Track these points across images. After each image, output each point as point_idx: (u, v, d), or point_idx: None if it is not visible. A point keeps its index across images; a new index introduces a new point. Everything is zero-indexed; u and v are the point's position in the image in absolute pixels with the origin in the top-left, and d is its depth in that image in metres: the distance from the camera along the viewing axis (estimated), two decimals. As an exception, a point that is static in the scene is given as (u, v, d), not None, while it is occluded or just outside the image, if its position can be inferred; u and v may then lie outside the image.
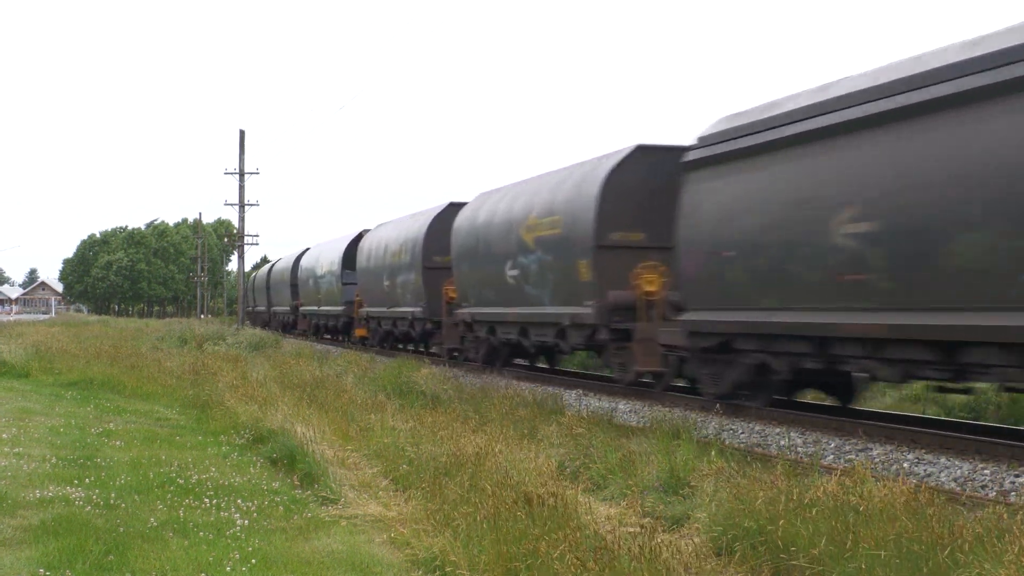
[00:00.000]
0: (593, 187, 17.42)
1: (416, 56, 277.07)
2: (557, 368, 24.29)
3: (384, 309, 30.29)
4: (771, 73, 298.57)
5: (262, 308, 59.49)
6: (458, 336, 24.44)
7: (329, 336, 41.99)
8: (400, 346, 32.33)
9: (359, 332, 34.04)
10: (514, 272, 20.48)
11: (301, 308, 44.59)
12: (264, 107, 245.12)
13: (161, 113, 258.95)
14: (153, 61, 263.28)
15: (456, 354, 25.10)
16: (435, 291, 25.75)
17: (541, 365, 24.56)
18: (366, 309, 32.70)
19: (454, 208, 26.08)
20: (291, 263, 48.06)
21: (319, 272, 40.17)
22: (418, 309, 26.88)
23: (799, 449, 11.59)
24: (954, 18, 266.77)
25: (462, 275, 23.62)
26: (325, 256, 39.83)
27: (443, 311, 25.12)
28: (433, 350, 29.11)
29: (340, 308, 36.36)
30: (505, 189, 22.85)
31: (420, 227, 27.22)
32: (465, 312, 23.34)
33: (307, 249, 46.38)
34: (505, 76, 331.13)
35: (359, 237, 35.99)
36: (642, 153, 17.45)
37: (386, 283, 29.76)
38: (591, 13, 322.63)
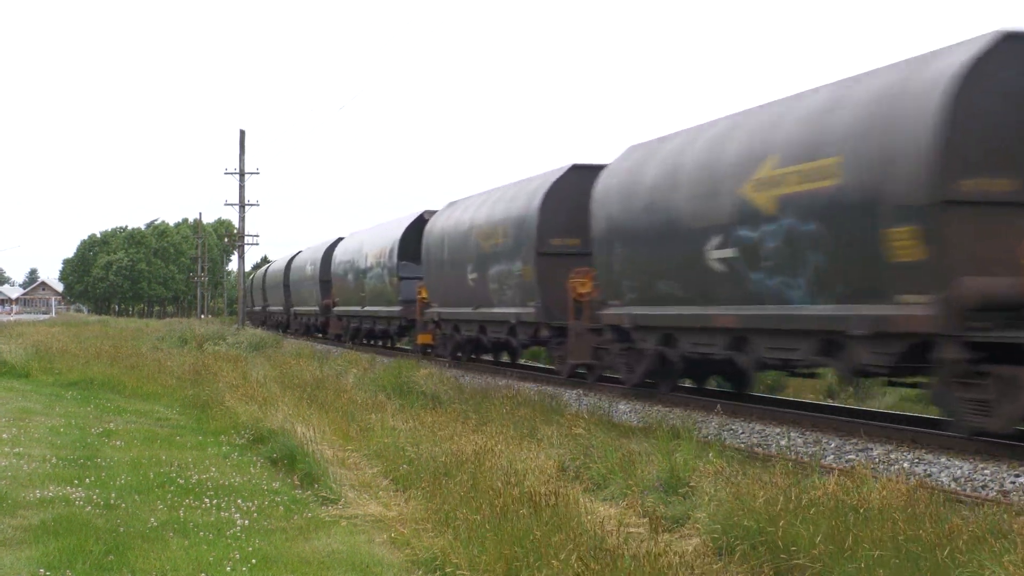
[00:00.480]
0: (922, 105, 10.66)
1: (416, 56, 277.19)
2: (748, 393, 17.04)
3: (468, 310, 23.26)
4: (767, 73, 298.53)
5: (276, 308, 52.21)
6: (590, 348, 18.06)
7: (368, 341, 35.69)
8: (474, 356, 26.06)
9: (423, 339, 27.00)
10: (724, 253, 13.79)
11: (336, 308, 37.11)
12: (264, 107, 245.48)
13: (161, 113, 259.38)
14: (153, 61, 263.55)
15: (584, 371, 19.15)
16: (554, 285, 19.12)
17: (711, 387, 18.29)
18: (437, 310, 25.49)
19: (582, 172, 19.51)
20: (319, 255, 40.73)
21: (363, 265, 32.92)
22: (528, 310, 20.08)
23: (799, 449, 11.59)
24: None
25: (613, 261, 16.81)
26: (372, 245, 32.40)
27: (569, 312, 18.57)
28: (554, 366, 21.47)
29: (396, 309, 29.17)
30: (686, 133, 15.78)
31: (529, 201, 20.26)
32: (620, 314, 16.56)
33: (340, 238, 39.61)
34: (505, 75, 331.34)
35: (421, 220, 29.12)
36: (1015, 43, 10.60)
37: (472, 276, 22.87)
38: (591, 13, 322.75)
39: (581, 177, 19.25)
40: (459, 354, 25.25)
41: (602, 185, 17.41)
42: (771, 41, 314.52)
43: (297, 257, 47.72)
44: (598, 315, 17.42)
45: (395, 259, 29.45)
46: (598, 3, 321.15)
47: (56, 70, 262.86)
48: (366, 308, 32.75)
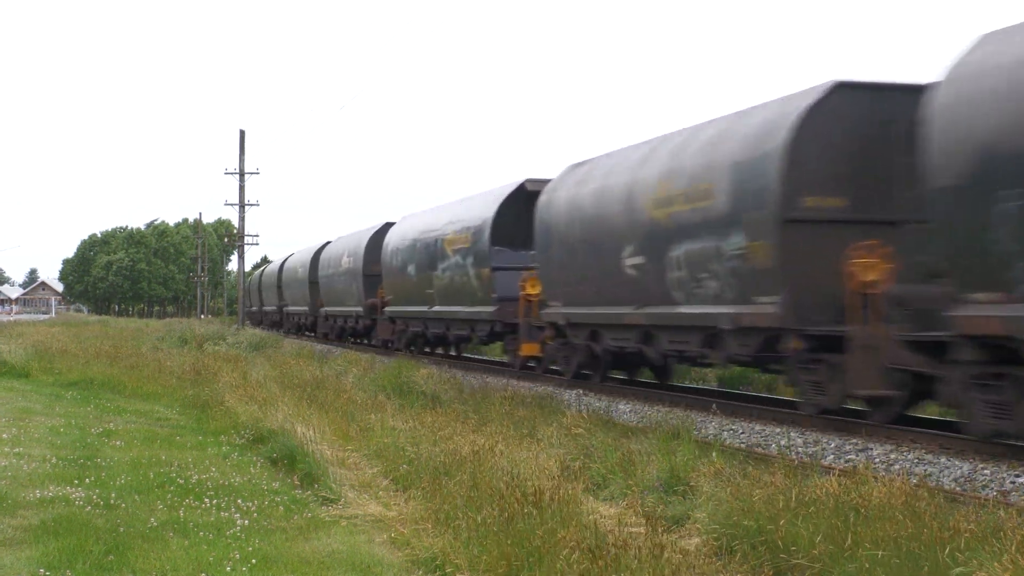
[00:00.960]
0: None
1: (416, 56, 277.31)
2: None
3: (625, 311, 16.37)
4: (767, 72, 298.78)
5: (298, 309, 45.68)
6: (880, 370, 11.71)
7: (431, 350, 29.45)
8: (615, 374, 19.20)
9: (528, 349, 20.71)
10: None
11: (388, 309, 30.36)
12: (264, 107, 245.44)
13: (161, 113, 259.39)
14: (153, 61, 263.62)
15: (866, 407, 12.59)
16: (811, 270, 12.65)
17: None
18: (562, 311, 18.80)
19: (856, 94, 12.86)
20: (362, 244, 33.96)
21: (432, 254, 26.11)
22: (758, 309, 13.20)
23: (799, 449, 11.59)
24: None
25: (994, 225, 9.85)
26: (447, 227, 25.44)
27: (851, 313, 12.13)
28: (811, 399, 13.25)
29: (487, 309, 22.31)
30: None
31: (760, 139, 13.25)
32: (1015, 318, 9.68)
33: (389, 223, 32.82)
34: (505, 75, 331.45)
35: (522, 192, 22.44)
36: None
37: (632, 262, 16.11)
38: (591, 13, 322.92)
39: (853, 100, 12.77)
40: (587, 371, 18.84)
41: (957, 91, 10.34)
42: (764, 42, 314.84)
43: (328, 248, 40.52)
44: (948, 317, 10.43)
45: (486, 245, 22.55)
46: (598, 2, 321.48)
47: (56, 70, 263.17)
48: (435, 308, 25.84)
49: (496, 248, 22.47)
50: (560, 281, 18.97)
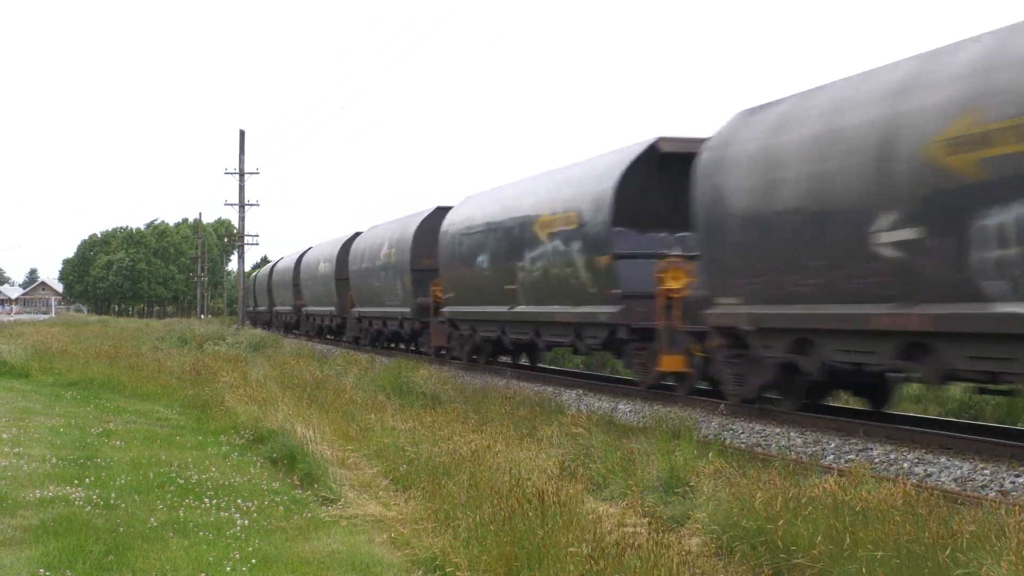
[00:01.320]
0: None
1: (416, 56, 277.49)
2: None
3: (880, 310, 11.29)
4: (776, 69, 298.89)
5: (320, 309, 40.29)
6: None
7: (492, 357, 24.13)
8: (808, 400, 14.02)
9: (670, 362, 15.61)
10: None
11: (447, 309, 24.70)
12: (264, 107, 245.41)
13: (161, 113, 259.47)
14: (153, 61, 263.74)
15: None
16: None
17: None
18: (746, 310, 13.43)
19: None
20: (408, 232, 28.18)
21: (514, 240, 20.81)
22: None
23: (799, 449, 11.59)
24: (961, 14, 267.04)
25: None
26: (539, 204, 20.02)
27: None
28: None
29: (605, 310, 17.05)
30: None
31: None
32: None
33: (442, 208, 27.24)
34: (505, 75, 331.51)
35: (653, 153, 16.96)
36: None
37: (897, 238, 10.98)
38: (591, 12, 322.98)
39: None
40: (772, 394, 13.86)
41: None
42: (770, 38, 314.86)
43: (360, 239, 34.48)
44: None
45: (606, 225, 17.04)
46: (597, 2, 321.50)
47: (56, 70, 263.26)
48: (519, 309, 20.61)
49: (618, 229, 16.94)
50: (742, 270, 13.57)
